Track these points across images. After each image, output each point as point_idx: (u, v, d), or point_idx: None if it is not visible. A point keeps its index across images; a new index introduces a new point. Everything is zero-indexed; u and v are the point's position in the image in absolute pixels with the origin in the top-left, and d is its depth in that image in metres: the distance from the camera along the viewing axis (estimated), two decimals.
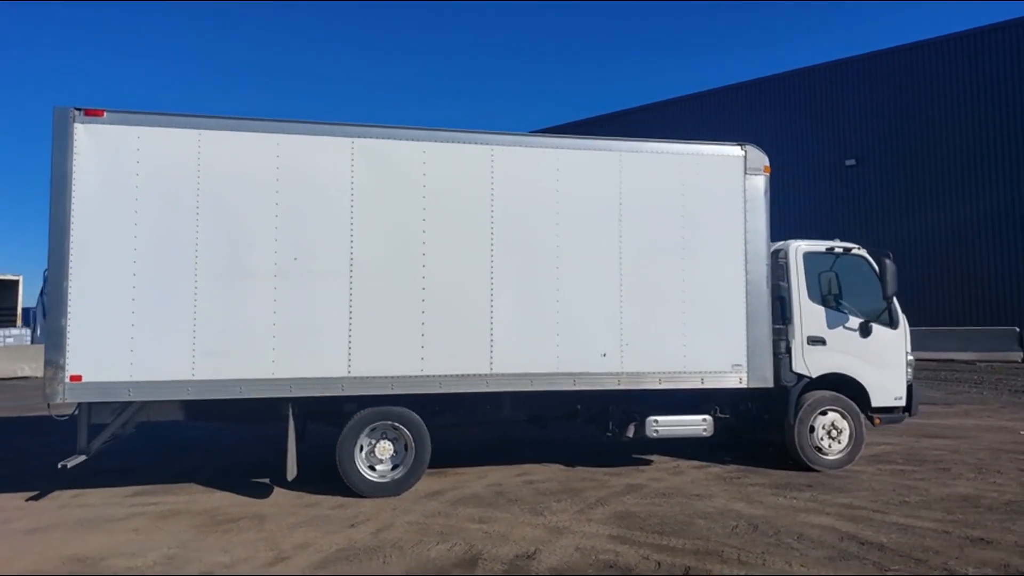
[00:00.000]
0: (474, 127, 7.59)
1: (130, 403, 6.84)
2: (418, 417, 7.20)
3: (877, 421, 8.28)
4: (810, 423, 8.04)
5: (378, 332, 6.90)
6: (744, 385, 7.64)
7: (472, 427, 8.18)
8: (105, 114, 6.56)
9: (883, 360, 8.26)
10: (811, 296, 8.19)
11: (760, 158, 7.79)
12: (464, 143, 7.21)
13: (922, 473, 7.93)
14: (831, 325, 8.16)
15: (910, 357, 8.40)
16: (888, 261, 7.96)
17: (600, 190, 7.44)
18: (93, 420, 6.96)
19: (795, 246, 8.31)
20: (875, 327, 8.24)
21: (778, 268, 8.21)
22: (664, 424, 7.83)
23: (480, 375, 7.09)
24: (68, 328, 6.37)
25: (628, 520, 6.24)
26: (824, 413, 8.10)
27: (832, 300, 8.26)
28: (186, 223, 6.60)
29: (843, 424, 8.12)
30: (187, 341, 6.55)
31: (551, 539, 5.74)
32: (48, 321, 6.43)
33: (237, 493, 7.23)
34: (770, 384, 7.72)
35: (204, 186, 6.65)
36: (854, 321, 8.20)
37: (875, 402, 8.22)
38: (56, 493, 7.38)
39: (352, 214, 6.91)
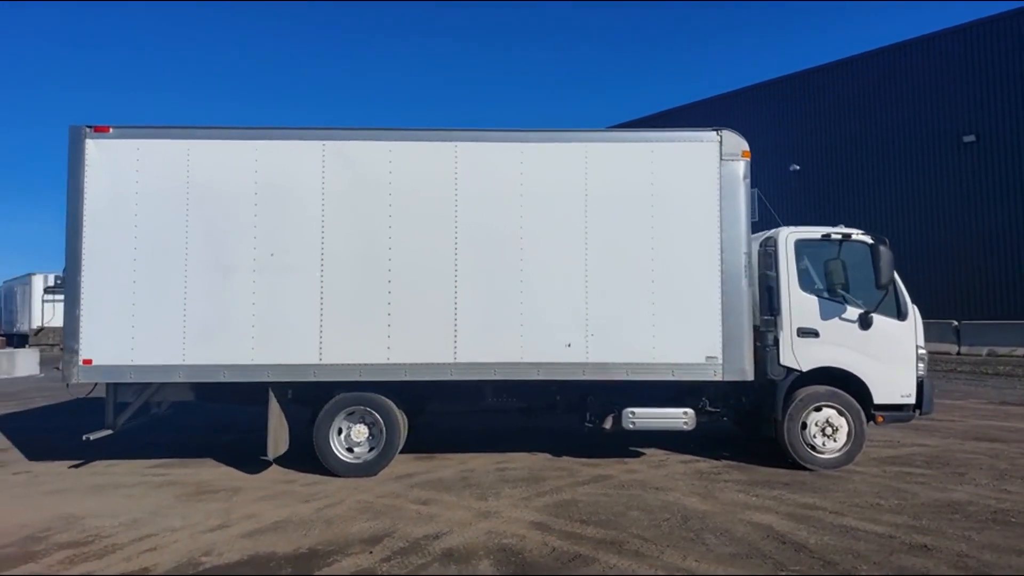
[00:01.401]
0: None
1: (148, 384, 7.73)
2: (390, 403, 7.59)
3: (880, 419, 7.72)
4: (802, 419, 7.64)
5: (347, 322, 7.35)
6: (719, 378, 7.40)
7: (458, 415, 8.47)
8: (111, 130, 7.44)
9: (888, 354, 7.68)
10: (803, 286, 7.76)
11: (737, 143, 7.49)
12: (428, 141, 7.49)
13: (928, 477, 7.33)
14: (825, 316, 7.69)
15: (922, 351, 7.75)
16: (882, 247, 7.39)
17: (565, 182, 7.47)
18: (119, 399, 7.93)
19: (785, 233, 7.90)
20: (878, 319, 7.67)
21: (767, 257, 7.85)
22: (641, 416, 7.74)
23: (444, 364, 7.37)
24: (81, 318, 7.31)
25: (564, 508, 6.30)
26: (819, 409, 7.67)
27: (829, 290, 7.79)
28: (177, 223, 7.36)
29: (840, 421, 7.65)
30: (178, 330, 7.31)
31: (471, 522, 5.94)
32: (65, 312, 7.41)
33: (238, 469, 7.94)
34: (748, 378, 7.43)
35: (193, 190, 7.38)
36: (852, 312, 7.68)
37: (878, 399, 7.67)
38: (96, 463, 8.44)
39: (323, 212, 7.40)
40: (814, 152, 28.17)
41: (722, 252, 7.40)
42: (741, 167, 7.48)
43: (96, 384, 7.66)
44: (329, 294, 7.36)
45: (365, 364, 7.35)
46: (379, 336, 7.35)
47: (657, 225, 7.45)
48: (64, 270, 7.41)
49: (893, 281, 7.47)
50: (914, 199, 25.23)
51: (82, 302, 7.32)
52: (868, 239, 7.75)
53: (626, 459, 8.23)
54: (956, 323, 22.17)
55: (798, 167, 28.21)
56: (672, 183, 7.47)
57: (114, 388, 7.85)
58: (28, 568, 5.07)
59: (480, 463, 8.08)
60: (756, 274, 7.88)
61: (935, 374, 17.53)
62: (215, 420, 11.04)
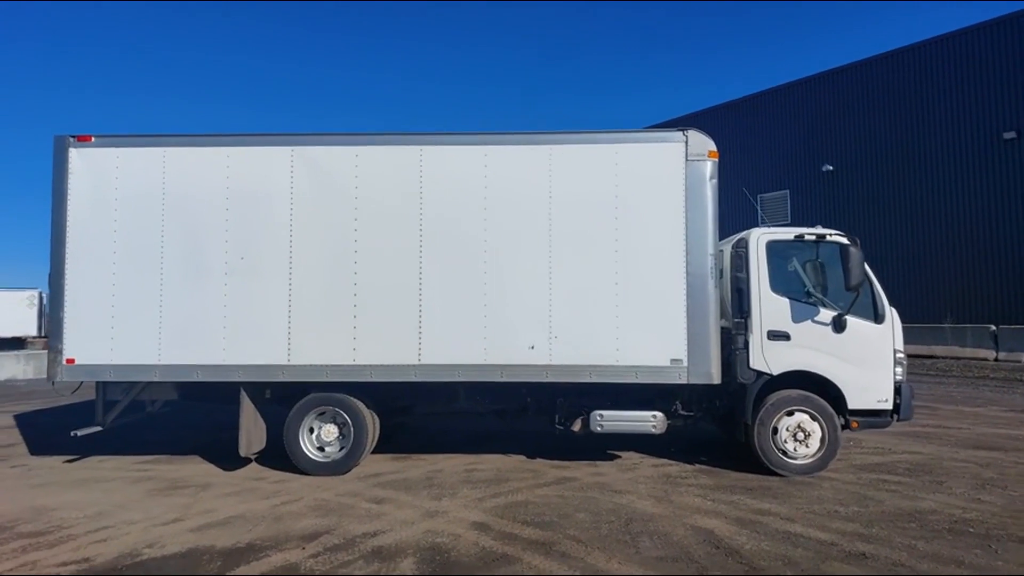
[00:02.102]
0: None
1: (134, 384, 8.03)
2: (359, 403, 7.71)
3: (855, 425, 7.50)
4: (773, 424, 7.48)
5: (314, 324, 7.51)
6: (684, 381, 7.31)
7: (435, 417, 8.57)
8: (93, 139, 7.76)
9: (863, 358, 7.47)
10: (774, 288, 7.60)
11: (703, 143, 7.40)
12: (393, 145, 7.60)
13: (903, 485, 7.09)
14: (797, 319, 7.52)
15: (900, 355, 7.51)
16: (852, 248, 7.18)
17: (528, 184, 7.48)
18: (107, 397, 8.25)
19: (756, 234, 7.75)
20: (853, 321, 7.46)
21: (738, 259, 7.72)
22: (609, 419, 7.70)
23: (409, 365, 7.46)
24: (64, 320, 7.65)
25: (513, 509, 6.31)
26: (791, 414, 7.50)
27: (801, 292, 7.61)
28: (154, 228, 7.63)
29: (812, 427, 7.47)
30: (155, 331, 7.57)
31: (415, 521, 6.00)
32: (50, 314, 7.76)
33: (218, 466, 8.18)
34: (714, 381, 7.31)
35: (168, 196, 7.64)
36: (826, 315, 7.49)
37: (852, 404, 7.45)
38: (91, 458, 8.80)
39: (292, 216, 7.58)
40: (849, 151, 27.41)
41: (687, 254, 7.31)
42: (708, 167, 7.38)
43: (81, 383, 7.98)
44: (297, 296, 7.53)
45: (332, 365, 7.49)
46: (345, 338, 7.48)
47: (621, 227, 7.40)
48: (49, 274, 7.75)
49: (865, 283, 7.26)
50: (953, 198, 24.31)
51: (65, 304, 7.65)
52: (843, 239, 7.55)
53: (599, 462, 8.18)
54: (994, 328, 21.28)
55: (831, 167, 27.51)
56: (637, 185, 7.41)
57: (103, 387, 8.17)
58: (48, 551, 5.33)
59: (452, 464, 8.14)
60: (728, 276, 7.77)
61: (966, 380, 16.91)
62: (211, 419, 11.35)
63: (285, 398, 7.94)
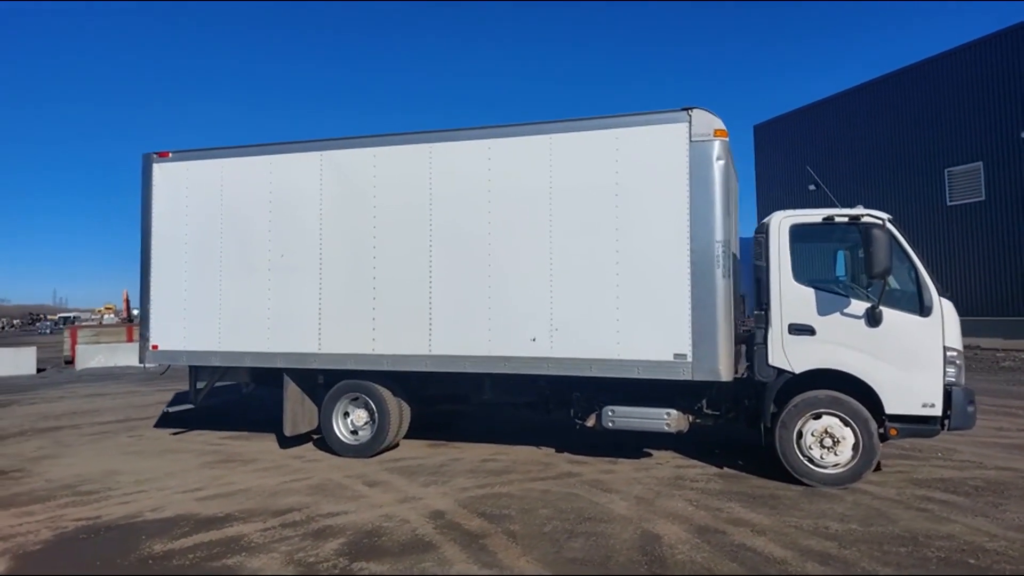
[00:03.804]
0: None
1: (217, 368, 9.15)
2: (384, 391, 8.15)
3: (894, 432, 6.56)
4: (797, 428, 6.77)
5: (340, 316, 8.06)
6: (689, 378, 6.86)
7: (457, 405, 8.78)
8: (170, 155, 8.93)
9: (904, 356, 6.51)
10: (798, 276, 6.85)
11: (709, 122, 6.85)
12: (406, 144, 7.90)
13: (945, 506, 6.09)
14: (824, 311, 6.72)
15: (953, 353, 6.44)
16: (877, 231, 6.25)
17: (529, 175, 7.42)
18: (198, 380, 9.48)
19: (779, 218, 7.01)
20: (891, 314, 6.53)
21: (759, 245, 7.06)
22: (620, 415, 7.44)
23: (420, 355, 7.75)
24: (150, 312, 8.90)
25: (484, 501, 6.37)
26: (818, 417, 6.74)
27: (830, 281, 6.80)
28: (214, 231, 8.62)
29: (843, 432, 6.65)
30: (215, 321, 8.57)
31: (382, 505, 6.29)
32: (140, 306, 9.07)
33: (279, 444, 9.05)
34: (722, 378, 6.78)
35: (225, 201, 8.59)
36: (858, 306, 6.62)
37: (890, 408, 6.53)
38: (195, 432, 10.13)
39: (321, 215, 8.18)
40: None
41: (692, 242, 6.84)
42: (715, 148, 6.83)
43: (169, 366, 9.24)
44: (326, 290, 8.12)
45: (355, 354, 7.99)
46: (366, 329, 7.95)
47: (622, 215, 7.10)
48: (140, 272, 9.05)
49: (908, 269, 6.33)
50: None
51: (151, 299, 8.90)
52: (880, 220, 6.62)
53: (622, 460, 7.91)
54: None
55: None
56: (638, 170, 7.06)
57: (195, 371, 9.38)
58: (31, 508, 6.46)
59: (475, 453, 8.31)
60: (738, 265, 7.16)
61: None
62: None
63: (324, 384, 8.57)
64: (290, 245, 8.30)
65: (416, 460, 8.05)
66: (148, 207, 8.95)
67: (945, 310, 6.47)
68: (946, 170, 25.51)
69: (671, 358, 6.90)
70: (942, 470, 7.34)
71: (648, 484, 6.90)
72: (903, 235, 6.72)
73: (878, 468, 7.34)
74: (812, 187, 30.49)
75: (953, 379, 6.42)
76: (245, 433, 9.83)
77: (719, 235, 6.79)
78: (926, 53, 27.43)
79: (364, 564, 4.91)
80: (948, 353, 6.42)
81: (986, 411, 11.09)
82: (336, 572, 4.79)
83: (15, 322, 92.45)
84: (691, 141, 6.88)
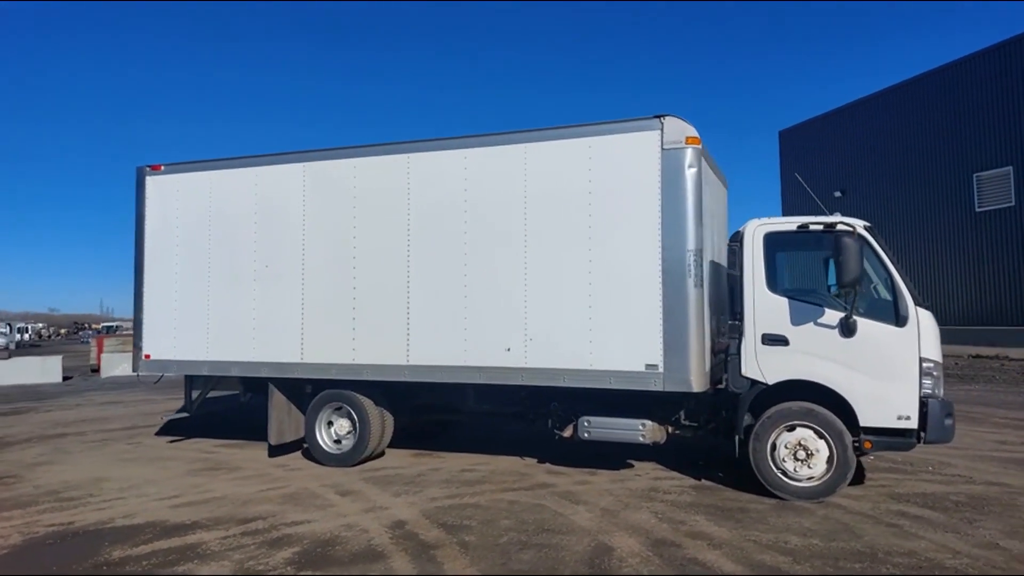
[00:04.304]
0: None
1: (210, 377, 9.32)
2: (365, 400, 8.19)
3: (868, 445, 6.39)
4: (771, 440, 6.64)
5: (322, 326, 8.14)
6: (660, 388, 6.78)
7: (444, 415, 8.79)
8: (162, 168, 9.14)
9: (878, 367, 6.35)
10: (772, 285, 6.73)
11: (680, 129, 6.78)
12: (384, 155, 7.97)
13: (918, 522, 5.91)
14: (797, 321, 6.59)
15: (929, 364, 6.26)
16: (847, 239, 6.11)
17: (504, 185, 7.42)
18: (193, 388, 9.65)
19: (753, 225, 6.90)
20: (866, 324, 6.38)
21: (732, 254, 6.96)
22: (596, 425, 7.38)
23: (399, 366, 7.79)
24: (143, 322, 9.11)
25: (449, 511, 6.36)
26: (791, 429, 6.60)
27: (804, 291, 6.67)
28: (202, 242, 8.78)
29: (818, 445, 6.50)
30: (203, 331, 8.73)
31: (347, 515, 6.32)
32: (134, 316, 9.28)
33: (268, 452, 9.14)
34: (693, 389, 6.68)
35: (213, 213, 8.75)
36: (831, 316, 6.47)
37: (864, 420, 6.37)
38: (192, 440, 10.31)
39: (304, 226, 8.29)
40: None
41: (663, 251, 6.77)
42: (687, 155, 6.76)
43: (163, 375, 9.42)
44: (309, 300, 8.22)
45: (336, 364, 8.07)
46: (346, 339, 8.02)
47: (595, 225, 7.06)
48: (134, 283, 9.26)
49: (860, 280, 6.16)
50: None
51: (144, 309, 9.10)
52: (856, 228, 6.47)
53: (601, 470, 7.83)
54: None
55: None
56: (610, 179, 7.02)
57: (190, 379, 9.56)
58: (11, 513, 6.64)
59: (456, 463, 8.31)
60: (721, 274, 7.07)
61: None
62: None
63: (309, 394, 8.64)
64: (275, 255, 8.42)
65: (396, 469, 8.08)
66: (141, 219, 9.17)
67: (922, 320, 6.30)
68: (975, 175, 24.90)
69: (643, 368, 6.83)
70: (927, 484, 7.13)
71: (619, 496, 6.82)
72: (881, 243, 6.57)
73: (860, 481, 7.18)
74: (838, 193, 30.03)
75: (930, 391, 6.24)
76: (240, 441, 9.96)
77: (691, 244, 6.71)
78: (956, 55, 26.82)
79: (310, 573, 4.94)
80: (924, 364, 6.24)
81: (995, 424, 10.78)
82: None
83: (61, 331, 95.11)
84: (663, 149, 6.82)
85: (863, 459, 7.95)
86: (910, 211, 27.18)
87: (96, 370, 23.52)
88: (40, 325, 76.82)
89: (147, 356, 9.09)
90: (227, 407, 11.12)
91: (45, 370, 21.30)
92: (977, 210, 24.83)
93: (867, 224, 6.69)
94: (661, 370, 6.75)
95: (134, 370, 9.26)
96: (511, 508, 6.45)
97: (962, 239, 25.21)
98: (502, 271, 7.38)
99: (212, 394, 9.66)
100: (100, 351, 24.13)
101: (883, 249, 6.52)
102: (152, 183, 9.15)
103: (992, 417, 11.49)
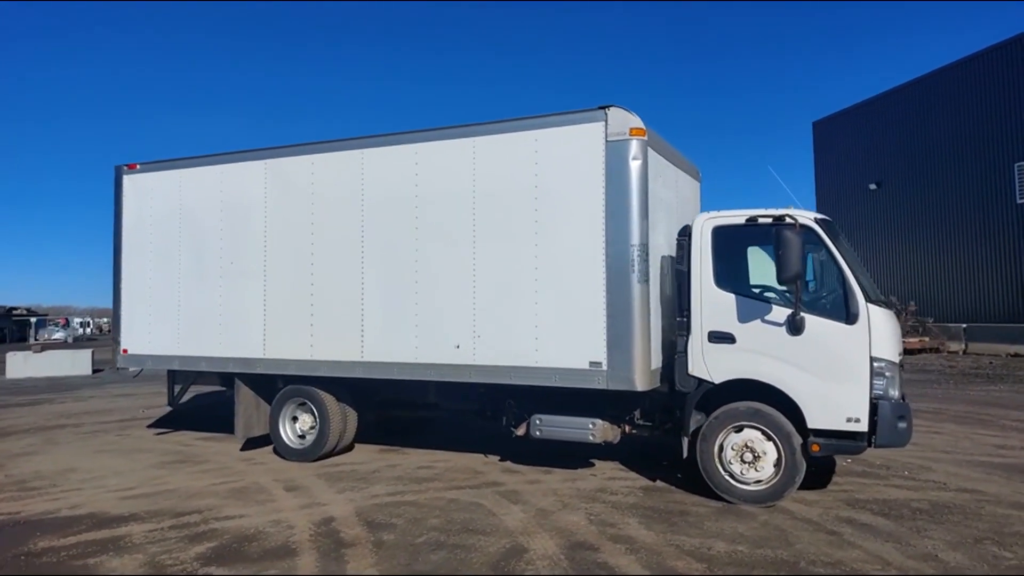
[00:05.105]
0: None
1: (189, 372, 9.47)
2: (325, 396, 8.19)
3: (816, 448, 6.09)
4: (718, 441, 6.40)
5: (282, 322, 8.17)
6: (604, 386, 6.59)
7: (407, 411, 8.73)
8: (138, 166, 9.30)
9: (827, 366, 6.04)
10: (719, 281, 6.47)
11: (624, 120, 6.55)
12: (339, 151, 7.93)
13: (862, 529, 5.62)
14: (744, 318, 6.32)
15: (881, 364, 5.93)
16: (787, 233, 5.81)
17: (454, 180, 7.31)
18: (176, 382, 9.83)
19: (701, 220, 6.64)
20: (814, 321, 6.08)
21: (680, 249, 6.72)
22: (547, 424, 7.23)
23: (354, 362, 7.76)
24: (121, 317, 9.30)
25: (383, 509, 6.30)
26: (739, 430, 6.35)
27: (751, 287, 6.40)
28: (173, 240, 8.91)
29: (764, 447, 6.24)
30: (174, 327, 8.86)
31: (282, 510, 6.33)
32: (112, 311, 9.48)
33: (246, 447, 9.21)
34: (636, 387, 6.47)
35: (183, 211, 8.87)
36: (779, 313, 6.19)
37: (813, 422, 6.07)
38: (179, 432, 10.50)
39: (265, 223, 8.32)
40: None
41: (607, 246, 6.58)
42: (631, 147, 6.54)
43: (142, 369, 9.60)
44: (270, 296, 8.26)
45: (295, 360, 8.09)
46: (304, 335, 8.03)
47: (541, 219, 6.90)
48: (112, 278, 9.45)
49: (801, 275, 5.86)
50: None
51: (121, 304, 9.29)
52: (806, 221, 6.18)
53: (556, 469, 7.68)
54: None
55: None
56: (556, 172, 6.85)
57: (171, 374, 9.73)
58: None
59: (416, 460, 8.26)
60: (668, 270, 6.84)
61: None
62: None
63: (272, 388, 8.68)
64: (239, 252, 8.48)
65: (354, 465, 8.07)
66: (119, 216, 9.35)
67: (874, 317, 5.97)
68: (1016, 165, 23.70)
69: (587, 366, 6.65)
70: (894, 490, 6.79)
71: (563, 496, 6.67)
72: (835, 237, 6.26)
73: (824, 485, 6.89)
74: (873, 186, 29.00)
75: (881, 392, 5.91)
76: (223, 434, 10.04)
77: (635, 239, 6.49)
78: (997, 39, 25.60)
79: (213, 569, 4.94)
80: (876, 364, 5.92)
81: (1003, 427, 10.26)
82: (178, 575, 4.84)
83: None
84: (607, 141, 6.61)
85: (844, 460, 7.65)
86: (948, 203, 26.03)
87: None
88: (104, 320, 79.59)
89: (124, 351, 9.28)
90: (218, 400, 11.32)
91: (75, 363, 22.05)
92: (1018, 201, 23.63)
93: (820, 217, 6.38)
94: (605, 368, 6.56)
95: (114, 363, 9.46)
96: (447, 507, 6.36)
97: (1002, 232, 24.03)
98: (451, 268, 7.28)
99: (208, 389, 9.82)
100: None
101: (836, 244, 6.19)
102: (129, 181, 9.32)
103: (1003, 420, 10.91)
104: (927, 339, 24.03)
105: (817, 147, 32.98)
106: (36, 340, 48.32)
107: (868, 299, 6.01)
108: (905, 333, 23.96)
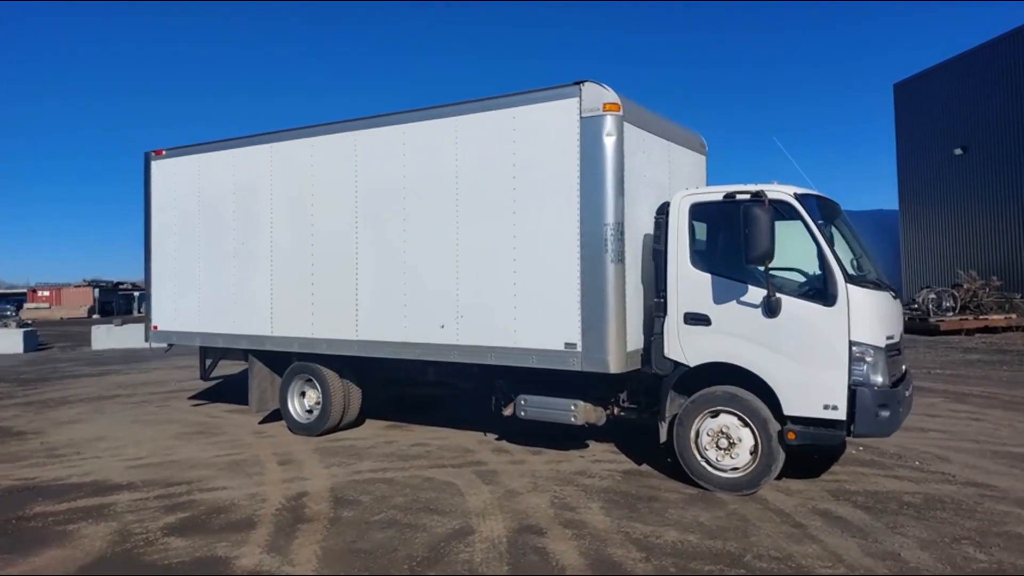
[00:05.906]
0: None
1: (218, 348, 9.96)
2: (328, 373, 8.43)
3: (792, 436, 5.79)
4: (695, 427, 6.20)
5: (287, 301, 8.43)
6: (579, 368, 6.48)
7: (410, 389, 8.85)
8: (164, 152, 9.74)
9: (804, 350, 5.72)
10: (695, 261, 6.21)
11: (598, 95, 6.34)
12: (334, 133, 8.04)
13: (836, 523, 5.35)
14: (719, 299, 6.05)
15: (860, 349, 5.56)
16: (756, 209, 5.49)
17: (438, 159, 7.28)
18: (208, 358, 10.34)
19: (679, 197, 6.36)
20: (792, 303, 5.76)
21: (657, 227, 6.48)
22: (531, 404, 7.19)
23: (349, 340, 7.94)
24: (152, 296, 9.83)
25: (360, 486, 6.45)
26: (715, 415, 6.13)
27: (728, 266, 6.10)
28: (194, 222, 9.31)
29: (740, 433, 6.00)
30: (196, 305, 9.30)
31: (264, 484, 6.59)
32: (145, 290, 10.02)
33: (268, 420, 9.61)
34: (610, 370, 6.33)
35: (202, 194, 9.24)
36: (755, 294, 5.89)
37: (789, 409, 5.78)
38: (213, 404, 11.08)
39: (272, 205, 8.57)
40: None
41: (581, 224, 6.43)
42: (606, 123, 6.33)
43: (171, 344, 10.13)
44: (276, 276, 8.53)
45: (299, 338, 8.35)
46: (306, 313, 8.27)
47: (519, 198, 6.81)
48: (144, 259, 9.99)
49: (770, 254, 5.52)
50: None
51: (152, 283, 9.82)
52: (785, 197, 5.84)
53: (547, 450, 7.66)
54: None
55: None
56: (533, 150, 6.72)
57: (203, 349, 10.25)
58: (9, 465, 7.45)
59: (414, 437, 8.40)
60: (650, 249, 6.62)
61: None
62: None
63: (285, 364, 8.99)
64: (249, 234, 8.78)
65: (354, 440, 8.30)
66: (148, 200, 9.84)
67: (854, 299, 5.59)
68: None
69: (562, 347, 6.56)
70: (892, 481, 6.41)
71: (539, 477, 6.64)
72: (814, 213, 5.89)
73: (818, 474, 6.59)
74: (959, 151, 27.01)
75: (861, 378, 5.56)
76: (243, 407, 10.51)
77: (609, 217, 6.31)
78: None
79: (173, 540, 5.20)
80: (855, 348, 5.56)
81: None
82: (139, 544, 5.13)
83: None
84: (581, 117, 6.43)
85: (855, 448, 7.30)
86: None
87: None
88: None
89: (155, 327, 9.82)
90: None
91: None
92: None
93: (803, 192, 6.01)
94: (579, 349, 6.46)
95: (146, 340, 10.02)
96: (420, 485, 6.46)
97: None
98: (437, 247, 7.30)
99: (240, 364, 10.22)
100: None
101: (815, 220, 5.82)
102: (156, 167, 9.78)
103: None
104: (1014, 316, 22.31)
105: (899, 110, 30.92)
106: (140, 312, 51.65)
107: (849, 279, 5.64)
108: (989, 310, 22.41)
